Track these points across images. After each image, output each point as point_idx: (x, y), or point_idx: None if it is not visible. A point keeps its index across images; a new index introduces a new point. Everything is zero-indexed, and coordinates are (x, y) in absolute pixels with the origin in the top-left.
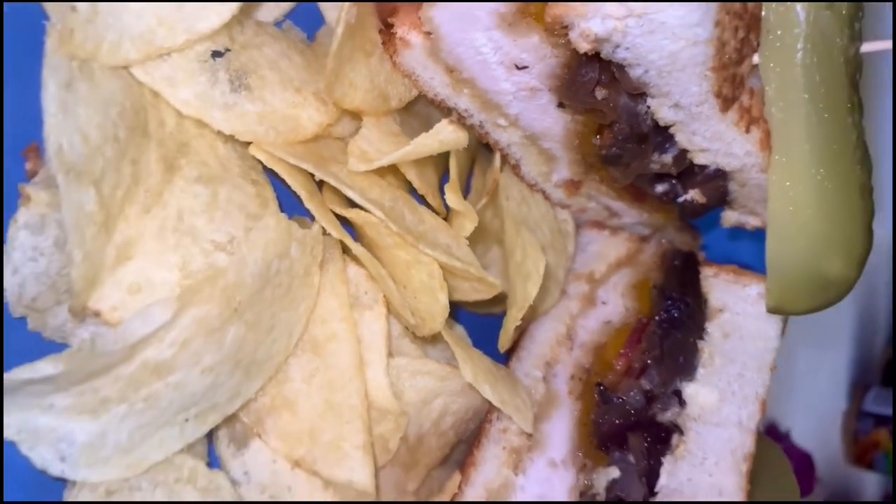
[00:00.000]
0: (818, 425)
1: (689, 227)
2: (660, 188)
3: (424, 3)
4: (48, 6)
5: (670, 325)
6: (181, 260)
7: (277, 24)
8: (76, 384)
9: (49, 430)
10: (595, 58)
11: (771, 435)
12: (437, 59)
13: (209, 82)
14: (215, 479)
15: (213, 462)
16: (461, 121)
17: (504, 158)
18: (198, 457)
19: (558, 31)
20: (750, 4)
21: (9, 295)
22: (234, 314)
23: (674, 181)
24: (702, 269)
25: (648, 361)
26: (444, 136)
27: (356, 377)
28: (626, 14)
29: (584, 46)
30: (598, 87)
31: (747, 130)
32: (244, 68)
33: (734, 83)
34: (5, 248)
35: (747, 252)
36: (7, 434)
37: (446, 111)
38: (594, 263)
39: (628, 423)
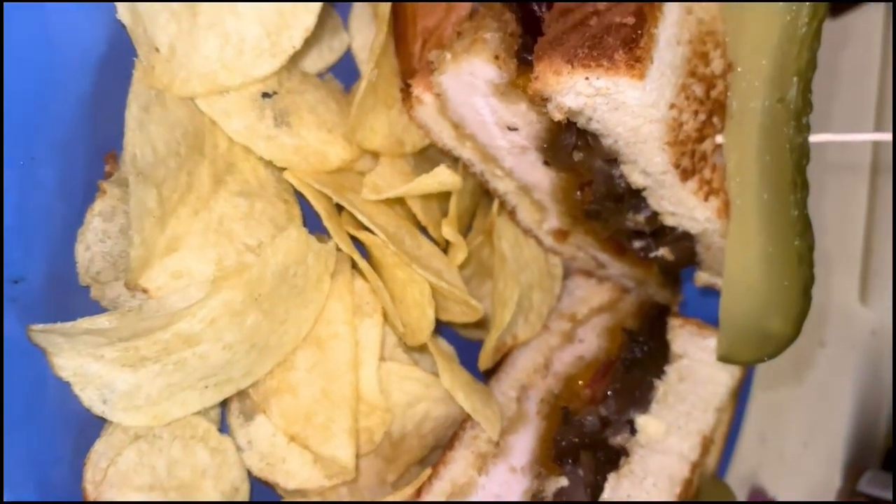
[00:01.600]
0: (809, 498)
1: (671, 284)
2: (637, 244)
3: (436, 70)
4: (138, 46)
5: (632, 363)
6: (217, 256)
7: (321, 75)
8: (123, 341)
9: (97, 377)
10: (573, 125)
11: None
12: (445, 116)
13: (257, 117)
14: (223, 442)
15: (223, 429)
16: (465, 169)
17: (502, 205)
18: (212, 421)
19: (539, 102)
20: (714, 92)
21: (79, 266)
22: (254, 303)
23: (648, 239)
24: (669, 320)
25: (609, 392)
26: (442, 178)
27: (350, 372)
28: (593, 93)
29: (557, 116)
30: (575, 151)
31: (706, 199)
32: (287, 109)
33: (694, 157)
34: (81, 230)
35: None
36: (63, 375)
37: (454, 159)
38: (578, 306)
39: (583, 442)
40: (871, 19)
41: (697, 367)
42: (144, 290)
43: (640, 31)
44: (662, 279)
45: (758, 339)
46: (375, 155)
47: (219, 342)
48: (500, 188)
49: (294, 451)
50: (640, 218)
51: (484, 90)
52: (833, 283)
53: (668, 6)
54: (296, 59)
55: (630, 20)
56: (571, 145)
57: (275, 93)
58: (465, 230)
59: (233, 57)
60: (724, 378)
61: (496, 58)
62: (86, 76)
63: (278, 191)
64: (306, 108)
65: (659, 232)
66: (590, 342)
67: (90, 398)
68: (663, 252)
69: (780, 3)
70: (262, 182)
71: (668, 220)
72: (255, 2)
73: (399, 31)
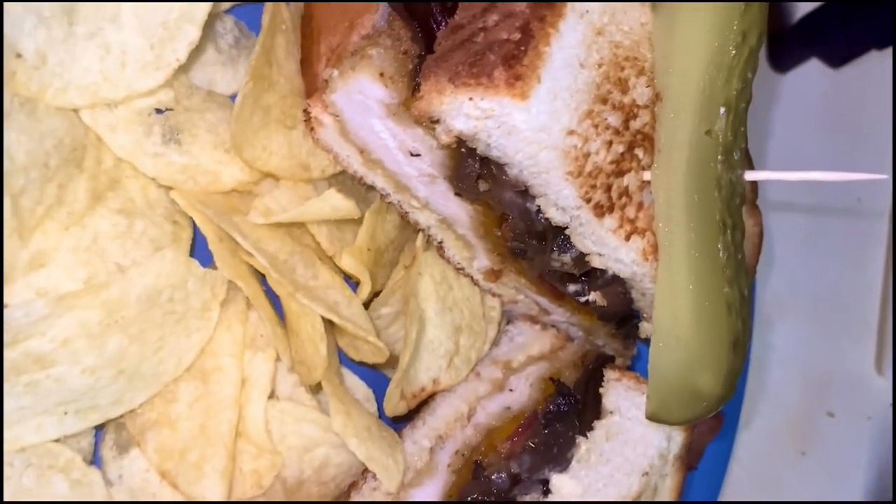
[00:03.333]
0: None
1: (623, 335)
2: (571, 287)
3: (329, 87)
4: None
5: (554, 417)
6: (87, 275)
7: (234, 96)
8: None
9: None
10: (473, 152)
11: None
12: (348, 140)
13: (144, 133)
14: (89, 474)
15: (96, 461)
16: (383, 198)
17: (429, 239)
18: (79, 451)
19: (427, 125)
20: (636, 123)
21: None
22: (114, 325)
23: (583, 282)
24: (606, 372)
25: (526, 448)
26: (334, 203)
27: (230, 409)
28: (481, 115)
29: (444, 139)
30: (480, 180)
31: (627, 239)
32: (180, 126)
33: (611, 192)
34: None
35: None
36: None
37: (370, 188)
38: (515, 353)
39: (489, 501)
40: (880, 66)
41: (629, 426)
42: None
43: (523, 48)
44: (612, 329)
45: (688, 397)
46: (276, 178)
47: (77, 365)
48: (422, 221)
49: (166, 490)
50: (567, 258)
51: (378, 111)
52: (845, 350)
53: (568, 24)
54: (208, 77)
55: (515, 36)
56: (475, 174)
57: (168, 109)
58: (391, 265)
59: (114, 69)
60: (656, 440)
61: (381, 75)
62: None
63: (169, 212)
64: (205, 126)
65: (590, 275)
66: (520, 392)
67: None
68: (595, 297)
69: (707, 28)
70: (151, 201)
71: (596, 262)
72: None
73: (305, 50)
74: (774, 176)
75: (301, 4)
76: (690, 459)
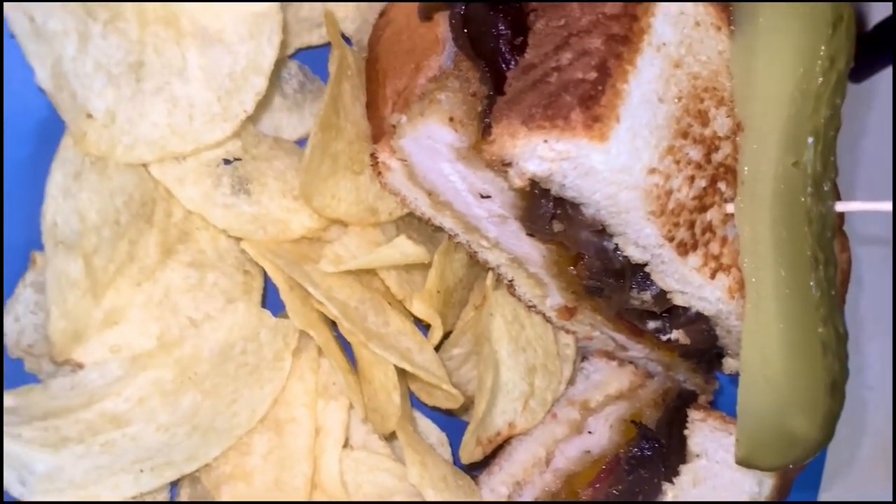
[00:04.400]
0: None
1: (704, 370)
2: (651, 325)
3: (397, 133)
4: (63, 112)
5: (638, 462)
6: (160, 331)
7: (300, 141)
8: (38, 420)
9: (15, 457)
10: (547, 192)
11: None
12: (416, 183)
13: (213, 185)
14: None
15: None
16: (451, 238)
17: (498, 278)
18: None
19: (499, 168)
20: (718, 155)
21: (7, 339)
22: (188, 382)
23: (662, 319)
24: (690, 412)
25: (610, 495)
26: (404, 249)
27: (305, 461)
28: (556, 157)
29: (517, 183)
30: (555, 221)
31: (712, 277)
32: (248, 176)
33: (694, 229)
34: (10, 301)
35: None
36: None
37: (438, 228)
38: (592, 392)
39: None
40: None
41: (718, 470)
42: (79, 365)
43: (601, 87)
44: (693, 364)
45: (781, 441)
46: (344, 224)
47: (152, 423)
48: (491, 260)
49: None
50: (647, 296)
51: (447, 155)
52: None
53: (645, 59)
54: (274, 123)
55: (591, 75)
56: (549, 214)
57: (237, 159)
58: (461, 304)
59: (182, 123)
60: (747, 485)
61: (451, 120)
62: (23, 142)
63: (240, 262)
64: (273, 174)
65: (671, 312)
66: (600, 434)
67: (8, 479)
68: (677, 335)
69: (792, 54)
70: (222, 252)
71: (678, 300)
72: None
73: (370, 94)
74: (867, 207)
75: (366, 47)
76: (781, 495)
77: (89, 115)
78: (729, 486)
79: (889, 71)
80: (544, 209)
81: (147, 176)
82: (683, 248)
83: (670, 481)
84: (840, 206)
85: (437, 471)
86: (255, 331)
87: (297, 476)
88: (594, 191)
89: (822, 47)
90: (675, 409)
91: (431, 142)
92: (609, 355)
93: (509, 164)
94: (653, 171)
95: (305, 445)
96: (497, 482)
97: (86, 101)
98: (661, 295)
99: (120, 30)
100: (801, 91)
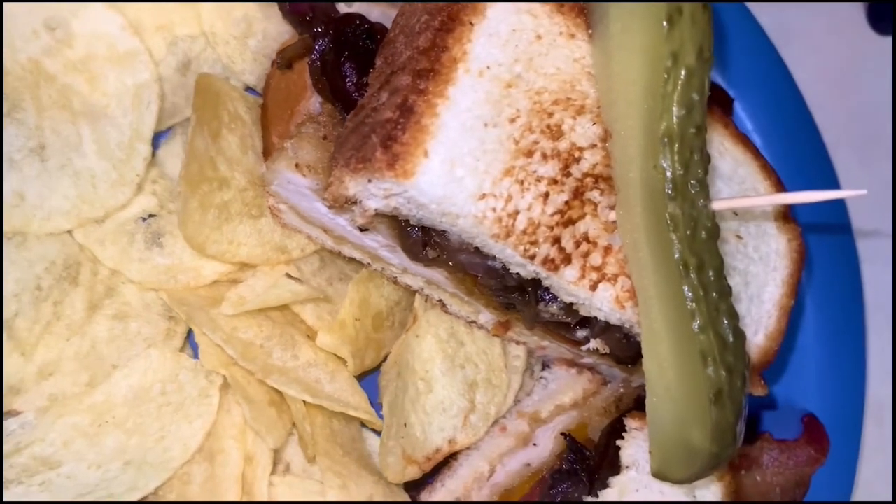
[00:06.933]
0: None
1: None
2: (577, 334)
3: (265, 179)
4: None
5: (560, 476)
6: (89, 378)
7: None
8: None
9: None
10: (408, 222)
11: None
12: (308, 221)
13: (128, 242)
14: None
15: None
16: (366, 267)
17: (428, 299)
18: None
19: (346, 208)
20: (583, 166)
21: None
22: (107, 424)
23: (585, 329)
24: (626, 421)
25: None
26: (290, 287)
27: (232, 489)
28: (385, 194)
29: (359, 221)
30: (429, 248)
31: (593, 289)
32: (161, 230)
33: (561, 244)
34: None
35: None
36: None
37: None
38: (544, 403)
39: None
40: None
41: (647, 482)
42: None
43: (401, 127)
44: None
45: (684, 453)
46: (253, 266)
47: (82, 462)
48: (411, 283)
49: None
50: (555, 308)
51: (311, 196)
52: None
53: (461, 88)
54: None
55: (394, 114)
56: (421, 241)
57: (152, 215)
58: (402, 325)
59: (89, 191)
60: (677, 498)
61: (297, 166)
62: None
63: (167, 309)
64: None
65: (589, 322)
66: (544, 446)
67: None
68: (596, 344)
69: (639, 55)
70: (148, 302)
71: (583, 310)
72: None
73: (265, 141)
74: (744, 203)
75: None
76: (795, 494)
77: None
78: (655, 499)
79: None
80: (415, 237)
81: (72, 241)
82: (552, 264)
83: (595, 495)
84: (716, 205)
85: (360, 492)
86: (173, 373)
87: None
88: (438, 221)
89: (660, 46)
90: (620, 417)
91: (294, 186)
92: (569, 363)
93: (355, 203)
94: (484, 196)
95: (233, 474)
96: (438, 499)
97: None
98: (569, 306)
99: (18, 120)
100: (651, 91)
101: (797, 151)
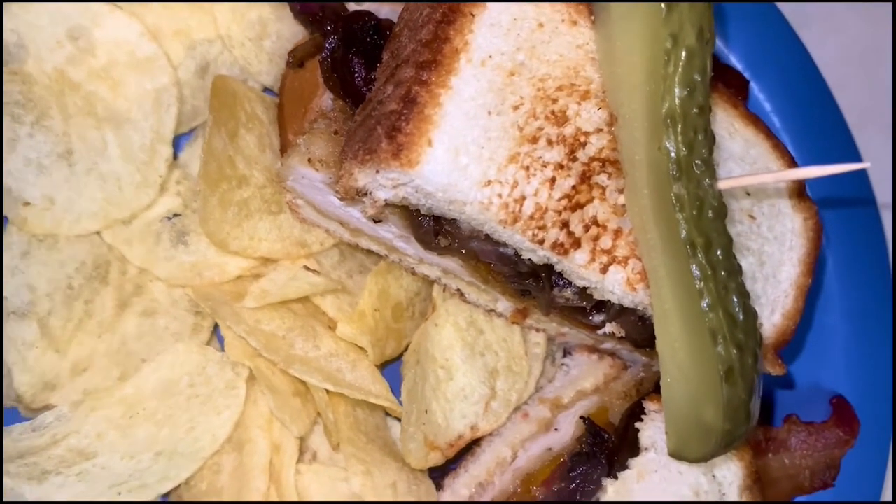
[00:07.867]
0: None
1: None
2: (594, 319)
3: (280, 175)
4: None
5: (579, 459)
6: (121, 373)
7: None
8: (19, 457)
9: (9, 489)
10: (418, 212)
11: None
12: (325, 215)
13: (155, 242)
14: None
15: None
16: (384, 258)
17: (446, 288)
18: None
19: (357, 199)
20: (590, 150)
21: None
22: (138, 416)
23: (602, 313)
24: (645, 403)
25: (553, 494)
26: (309, 280)
27: (260, 477)
28: (393, 184)
29: (370, 212)
30: (440, 237)
31: (604, 271)
32: (186, 229)
33: (570, 228)
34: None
35: None
36: None
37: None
38: (567, 388)
39: None
40: None
41: (665, 462)
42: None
43: (405, 117)
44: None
45: (699, 432)
46: (275, 261)
47: (116, 453)
48: (429, 274)
49: None
50: (569, 293)
51: (325, 190)
52: None
53: (463, 78)
54: None
55: (398, 106)
56: (433, 231)
57: (176, 215)
58: (423, 315)
59: (115, 193)
60: (692, 478)
61: (309, 161)
62: None
63: (193, 305)
64: None
65: (604, 306)
66: (565, 431)
67: None
68: (611, 328)
69: (640, 39)
70: (176, 298)
71: (595, 294)
72: None
73: (282, 139)
74: (749, 181)
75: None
76: (825, 476)
77: (26, 203)
78: (674, 480)
79: None
80: (426, 226)
81: (101, 242)
82: (561, 248)
83: (614, 476)
84: (722, 184)
85: (384, 479)
86: (200, 366)
87: (253, 491)
88: (444, 208)
89: (659, 28)
90: (640, 401)
91: (308, 180)
92: (590, 349)
93: (366, 194)
94: (489, 182)
95: (260, 463)
96: (460, 484)
97: (20, 192)
98: (582, 291)
99: (46, 127)
100: (652, 74)
101: (816, 130)
